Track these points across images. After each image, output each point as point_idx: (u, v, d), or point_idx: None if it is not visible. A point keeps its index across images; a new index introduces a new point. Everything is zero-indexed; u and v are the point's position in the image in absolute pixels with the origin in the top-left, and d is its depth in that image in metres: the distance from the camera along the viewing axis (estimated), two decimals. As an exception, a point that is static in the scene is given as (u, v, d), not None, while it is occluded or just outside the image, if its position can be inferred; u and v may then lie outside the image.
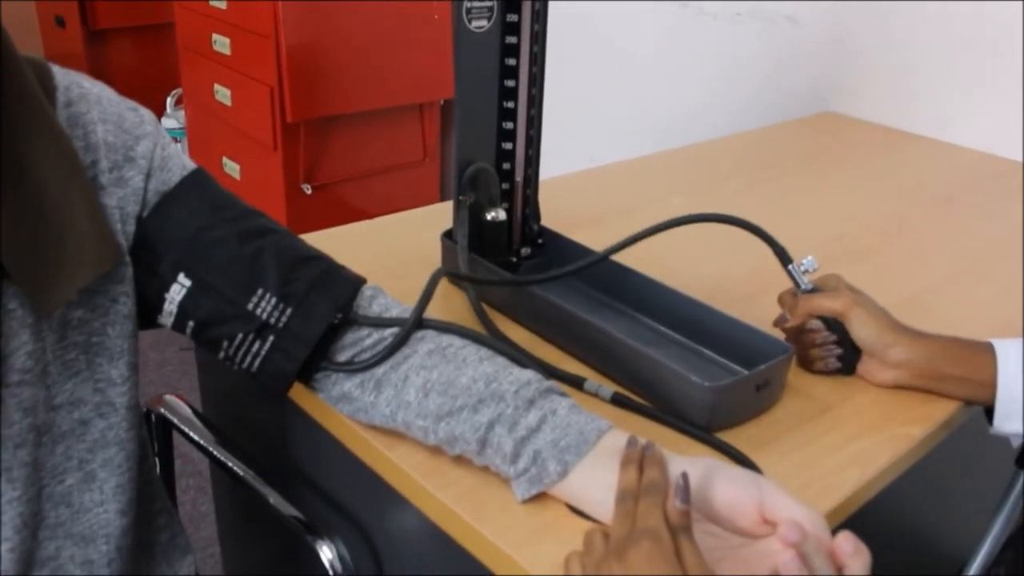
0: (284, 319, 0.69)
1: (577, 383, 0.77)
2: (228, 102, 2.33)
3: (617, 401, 0.75)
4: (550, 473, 0.61)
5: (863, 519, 0.71)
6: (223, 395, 1.00)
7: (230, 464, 0.87)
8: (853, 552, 0.52)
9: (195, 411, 0.93)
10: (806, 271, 0.81)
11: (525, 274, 0.95)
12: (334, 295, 0.71)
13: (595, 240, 0.94)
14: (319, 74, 2.19)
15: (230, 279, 0.68)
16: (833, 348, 0.80)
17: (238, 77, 2.28)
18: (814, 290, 0.81)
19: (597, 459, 0.61)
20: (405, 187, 2.49)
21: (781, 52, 1.77)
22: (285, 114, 2.15)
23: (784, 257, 0.80)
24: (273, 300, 0.69)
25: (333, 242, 1.00)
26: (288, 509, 0.82)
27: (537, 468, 0.62)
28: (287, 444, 0.87)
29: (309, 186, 2.26)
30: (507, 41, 0.87)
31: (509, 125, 0.90)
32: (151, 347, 2.31)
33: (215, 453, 0.89)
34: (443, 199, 2.67)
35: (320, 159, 2.28)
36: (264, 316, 0.69)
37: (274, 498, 0.83)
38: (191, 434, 0.90)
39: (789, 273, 0.81)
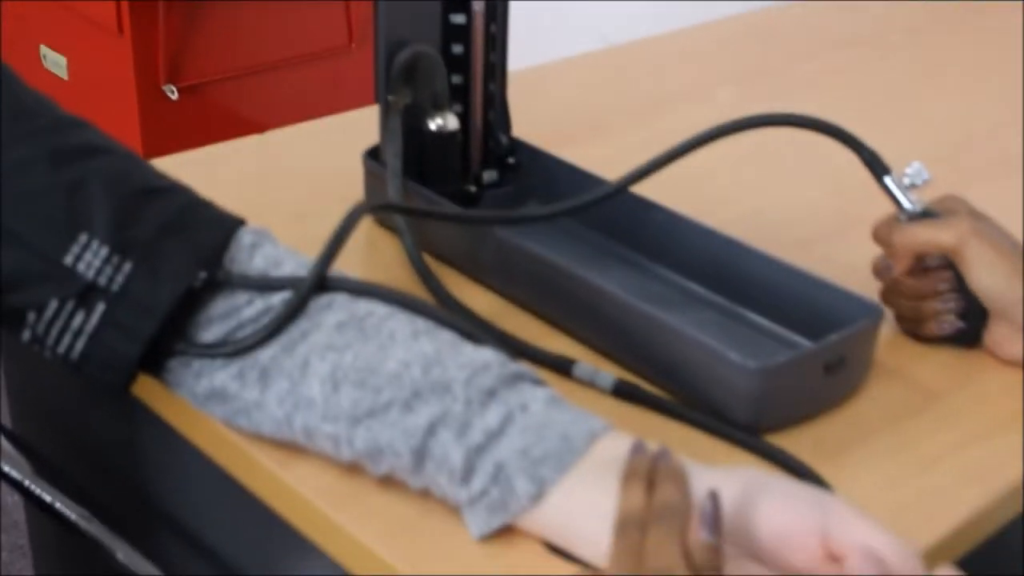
0: (120, 279, 0.71)
1: (564, 367, 0.80)
2: (47, -39, 2.33)
3: (621, 391, 0.78)
4: (518, 496, 0.64)
5: (989, 558, 0.74)
6: (41, 400, 1.02)
7: (56, 505, 0.89)
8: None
9: (1, 427, 0.95)
10: (912, 185, 0.83)
11: (489, 209, 0.97)
12: (196, 243, 0.73)
13: (598, 157, 0.96)
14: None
15: (37, 220, 0.70)
16: (953, 299, 0.83)
17: (61, -79, 2.28)
18: (925, 214, 0.83)
19: (587, 474, 0.64)
20: (323, 87, 2.50)
21: None
22: (135, -22, 2.16)
23: (877, 166, 0.82)
24: (103, 251, 0.70)
25: (202, 168, 1.02)
26: (143, 567, 0.84)
27: (500, 489, 0.64)
28: (137, 469, 0.90)
29: (174, 88, 2.27)
30: None
31: (459, -14, 0.91)
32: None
33: (33, 490, 0.91)
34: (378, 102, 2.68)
35: (190, 47, 2.28)
36: (90, 274, 0.70)
37: (123, 551, 0.85)
38: (-5, 462, 0.93)
39: (886, 189, 0.83)
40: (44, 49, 2.41)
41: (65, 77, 2.37)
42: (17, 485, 0.92)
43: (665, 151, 0.82)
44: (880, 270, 0.85)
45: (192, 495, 0.85)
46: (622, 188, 0.84)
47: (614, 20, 2.13)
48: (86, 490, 0.90)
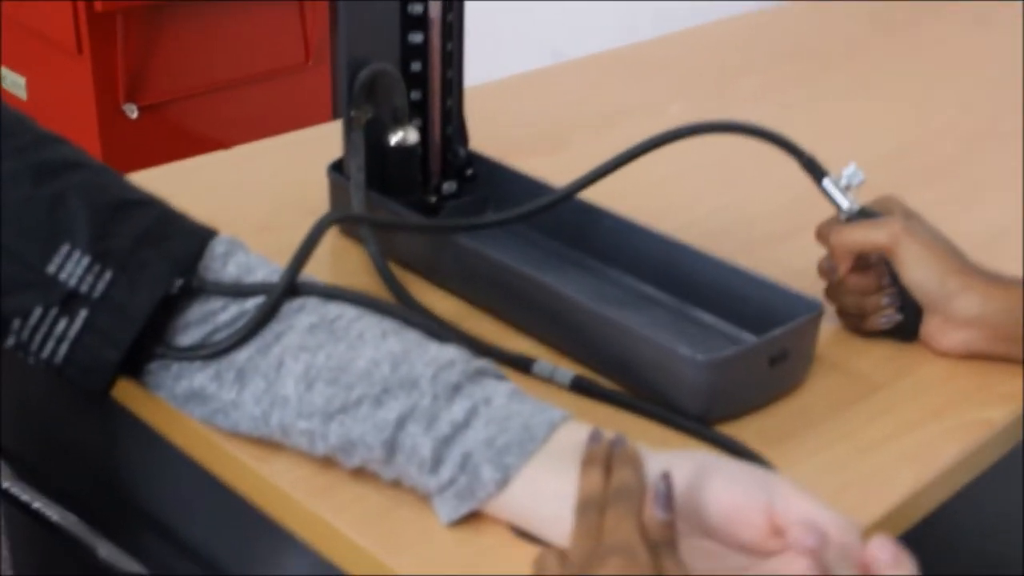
0: (101, 286, 0.74)
1: (524, 365, 0.83)
2: (4, -18, 2.33)
3: (579, 387, 0.82)
4: (485, 483, 0.67)
5: (923, 536, 0.78)
6: (23, 403, 1.03)
7: (36, 505, 0.91)
8: (892, 562, 0.58)
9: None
10: (848, 186, 0.88)
11: (449, 218, 1.01)
12: (172, 252, 0.76)
13: (553, 169, 0.99)
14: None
15: (21, 231, 0.73)
16: (894, 293, 0.87)
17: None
18: (863, 213, 0.88)
19: (548, 461, 0.67)
20: (280, 104, 2.51)
21: None
22: (93, -2, 2.17)
23: (815, 170, 0.87)
24: (84, 260, 0.73)
25: (172, 182, 1.04)
26: (126, 564, 0.87)
27: (467, 477, 0.68)
28: (119, 470, 0.92)
29: (135, 107, 2.28)
30: None
31: (417, 8, 0.95)
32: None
33: (14, 492, 0.93)
34: (336, 118, 2.71)
35: (149, 66, 2.30)
36: (72, 282, 0.73)
37: (105, 549, 0.88)
38: (-24, 466, 0.94)
39: (824, 191, 0.88)
40: (3, 70, 2.42)
41: (24, 97, 2.38)
42: (-3, 490, 0.94)
43: (612, 157, 0.86)
44: (825, 271, 0.89)
45: (173, 494, 0.88)
46: (572, 193, 0.88)
47: (566, 35, 2.17)
48: (67, 492, 0.92)
